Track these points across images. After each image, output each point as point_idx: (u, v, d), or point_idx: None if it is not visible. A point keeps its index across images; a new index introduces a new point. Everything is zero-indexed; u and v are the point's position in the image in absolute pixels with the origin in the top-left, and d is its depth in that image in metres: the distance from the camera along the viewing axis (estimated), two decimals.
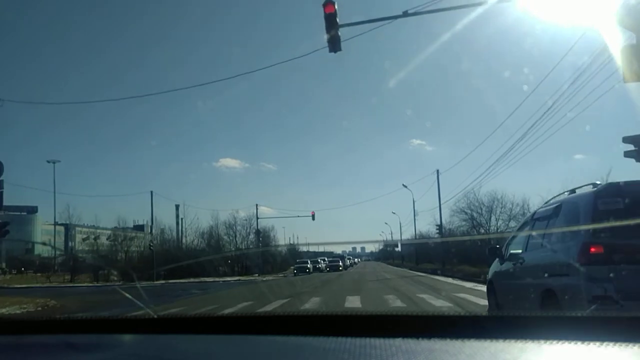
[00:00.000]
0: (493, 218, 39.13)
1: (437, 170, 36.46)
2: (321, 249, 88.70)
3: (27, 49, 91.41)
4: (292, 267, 51.45)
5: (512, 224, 37.70)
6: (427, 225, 60.22)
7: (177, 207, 58.08)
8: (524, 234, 7.06)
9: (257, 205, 52.72)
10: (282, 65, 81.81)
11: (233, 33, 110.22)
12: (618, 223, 4.81)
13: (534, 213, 7.19)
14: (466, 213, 39.89)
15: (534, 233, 6.55)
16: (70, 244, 73.86)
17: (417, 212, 49.27)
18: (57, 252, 55.23)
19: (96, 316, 1.67)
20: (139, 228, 63.59)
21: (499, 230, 38.30)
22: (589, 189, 5.77)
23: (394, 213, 77.40)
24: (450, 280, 23.47)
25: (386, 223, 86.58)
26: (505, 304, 7.20)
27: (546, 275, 5.66)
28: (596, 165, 71.35)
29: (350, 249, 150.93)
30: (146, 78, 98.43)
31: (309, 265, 45.48)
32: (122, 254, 49.48)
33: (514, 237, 7.69)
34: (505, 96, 76.47)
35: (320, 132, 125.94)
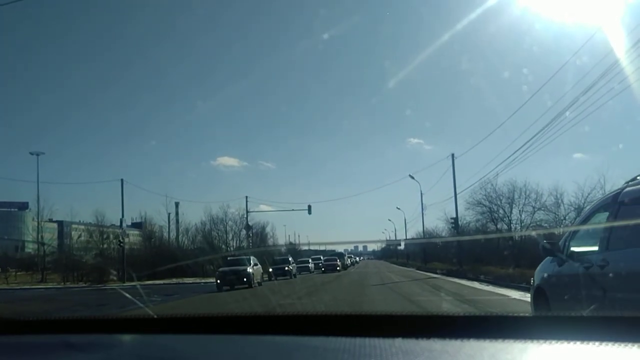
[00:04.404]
0: (515, 210, 34.18)
1: (452, 155, 31.53)
2: (322, 247, 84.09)
3: (26, 46, 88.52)
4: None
5: (540, 216, 32.88)
6: (435, 221, 55.60)
7: (176, 204, 53.85)
8: (600, 224, 5.03)
9: (246, 197, 47.62)
10: (281, 64, 78.71)
11: (233, 30, 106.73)
12: None
13: (619, 194, 4.93)
14: (484, 205, 34.94)
15: (622, 224, 4.49)
16: (65, 241, 70.40)
17: (425, 206, 44.33)
18: (48, 250, 51.14)
19: (95, 316, 1.83)
20: (137, 225, 60.04)
21: (522, 224, 33.43)
22: None
23: (398, 209, 73.13)
24: (477, 285, 18.49)
25: (390, 220, 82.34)
26: None
27: None
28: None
29: (352, 247, 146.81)
30: (144, 75, 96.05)
31: (248, 271, 22.19)
32: (99, 252, 45.54)
33: (576, 230, 5.91)
34: (504, 95, 74.38)
35: (318, 131, 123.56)
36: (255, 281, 22.66)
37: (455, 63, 79.15)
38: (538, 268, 6.24)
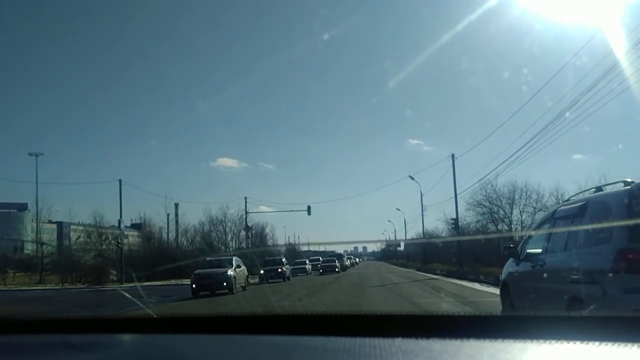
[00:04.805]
0: (516, 211, 34.03)
1: (453, 155, 31.38)
2: (322, 248, 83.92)
3: (26, 46, 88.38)
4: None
5: (541, 216, 32.72)
6: (435, 222, 55.53)
7: (176, 205, 53.69)
8: (543, 233, 6.46)
9: (245, 198, 47.44)
10: (281, 64, 78.64)
11: (232, 30, 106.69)
12: None
13: (555, 211, 6.66)
14: (484, 206, 34.79)
15: (555, 233, 6.04)
16: (65, 242, 70.07)
17: (425, 207, 44.16)
18: (47, 251, 50.95)
19: (96, 316, 1.75)
20: (137, 226, 60.01)
21: (523, 225, 33.27)
22: (620, 187, 5.23)
23: (398, 209, 73.11)
24: (478, 286, 18.34)
25: (389, 221, 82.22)
26: (522, 309, 6.67)
27: (572, 281, 5.21)
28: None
29: (352, 249, 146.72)
30: (144, 75, 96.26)
31: (228, 274, 19.39)
32: (98, 253, 45.41)
33: (531, 235, 7.19)
34: (504, 96, 74.48)
35: (318, 132, 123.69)
36: (239, 285, 20.15)
37: (455, 63, 79.22)
38: (505, 266, 7.61)
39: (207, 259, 23.48)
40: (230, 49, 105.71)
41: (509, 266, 7.32)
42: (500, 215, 34.58)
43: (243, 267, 21.98)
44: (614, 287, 4.52)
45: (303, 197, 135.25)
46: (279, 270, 28.76)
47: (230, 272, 19.58)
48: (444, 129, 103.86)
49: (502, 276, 7.60)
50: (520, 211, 34.01)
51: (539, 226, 7.05)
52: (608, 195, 5.47)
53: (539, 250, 6.33)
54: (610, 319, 1.23)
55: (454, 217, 34.52)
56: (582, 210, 5.48)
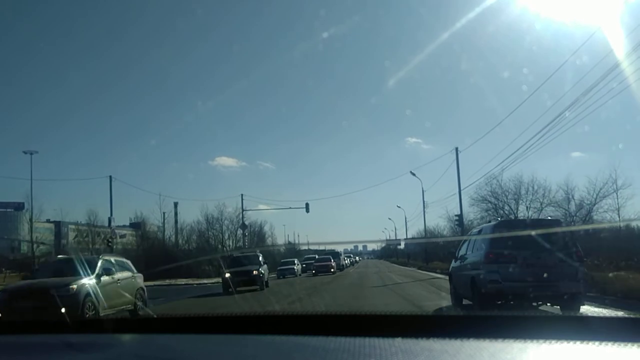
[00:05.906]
0: (522, 207, 32.87)
1: (456, 149, 30.27)
2: (322, 247, 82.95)
3: (26, 46, 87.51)
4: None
5: (548, 211, 31.56)
6: (436, 219, 54.53)
7: (175, 204, 52.72)
8: (466, 242, 11.18)
9: (242, 195, 46.25)
10: (281, 64, 77.88)
11: (232, 31, 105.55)
12: (503, 241, 9.04)
13: (470, 230, 14.31)
14: (489, 202, 33.59)
15: (470, 243, 10.69)
16: (62, 242, 69.10)
17: (427, 204, 43.07)
18: (43, 250, 49.79)
19: (96, 316, 1.40)
20: (136, 226, 59.12)
21: None
22: (495, 221, 12.29)
23: (398, 207, 72.06)
24: None
25: (390, 219, 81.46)
26: (457, 287, 11.21)
27: (472, 269, 9.81)
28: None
29: (352, 247, 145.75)
30: (144, 75, 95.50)
31: (71, 289, 9.94)
32: (92, 253, 44.28)
33: (464, 242, 11.49)
34: (503, 95, 73.47)
35: (317, 131, 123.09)
36: (117, 306, 11.52)
37: (454, 63, 78.28)
38: (451, 263, 12.12)
39: (58, 256, 14.43)
40: (230, 49, 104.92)
41: (452, 263, 11.89)
42: (506, 211, 33.41)
43: (128, 272, 12.83)
44: (484, 271, 9.04)
45: (302, 196, 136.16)
46: (253, 272, 20.19)
47: (82, 283, 10.55)
48: (443, 127, 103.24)
49: (449, 269, 12.24)
50: (527, 207, 32.83)
51: (468, 237, 11.39)
52: (488, 224, 11.05)
53: (464, 253, 10.83)
54: (610, 319, 1.20)
55: (458, 213, 33.36)
56: (480, 231, 10.66)
